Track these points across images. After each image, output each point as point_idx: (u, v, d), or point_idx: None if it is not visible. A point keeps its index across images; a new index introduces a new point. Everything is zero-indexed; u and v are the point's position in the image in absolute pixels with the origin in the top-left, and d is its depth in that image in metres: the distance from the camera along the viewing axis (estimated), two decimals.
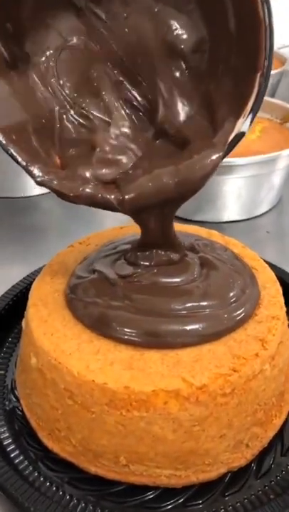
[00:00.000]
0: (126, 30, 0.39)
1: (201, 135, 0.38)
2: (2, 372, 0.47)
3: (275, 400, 0.40)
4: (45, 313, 0.40)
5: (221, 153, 0.36)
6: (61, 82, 0.40)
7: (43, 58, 0.39)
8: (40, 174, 0.37)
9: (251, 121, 0.37)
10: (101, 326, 0.38)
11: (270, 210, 0.74)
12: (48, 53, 0.40)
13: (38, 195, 0.78)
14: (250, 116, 0.36)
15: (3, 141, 0.37)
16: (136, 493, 0.38)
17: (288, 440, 0.41)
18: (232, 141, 0.37)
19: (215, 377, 0.35)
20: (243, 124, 0.36)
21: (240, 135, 0.37)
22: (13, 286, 0.53)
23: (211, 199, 0.68)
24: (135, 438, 0.35)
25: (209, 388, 0.35)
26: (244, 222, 0.71)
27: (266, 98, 0.85)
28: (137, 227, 0.42)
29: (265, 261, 0.47)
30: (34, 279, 0.46)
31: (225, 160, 0.65)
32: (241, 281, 0.42)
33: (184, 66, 0.40)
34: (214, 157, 0.36)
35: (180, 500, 0.37)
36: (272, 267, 0.48)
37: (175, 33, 0.39)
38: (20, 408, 0.43)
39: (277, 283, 0.44)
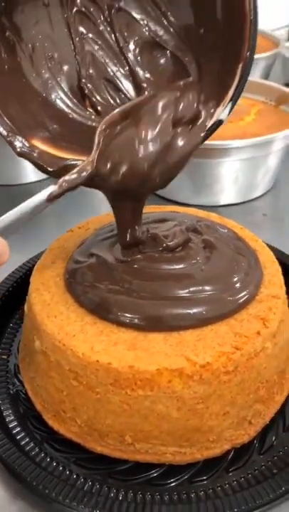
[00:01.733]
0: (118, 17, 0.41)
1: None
2: (5, 357, 0.48)
3: (276, 378, 0.40)
4: (47, 297, 0.41)
5: (199, 140, 0.38)
6: (50, 54, 0.41)
7: (33, 32, 0.40)
8: (21, 145, 0.38)
9: (230, 110, 0.37)
10: (102, 311, 0.39)
11: (266, 193, 0.74)
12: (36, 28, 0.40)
13: (34, 182, 0.77)
14: (230, 104, 0.37)
15: None
16: (141, 471, 0.38)
17: None
18: (210, 128, 0.38)
19: (218, 355, 0.36)
20: (222, 112, 0.37)
21: (218, 123, 0.38)
22: (12, 273, 0.53)
23: (208, 183, 0.69)
24: (140, 417, 0.36)
25: (212, 366, 0.35)
26: (241, 206, 0.71)
27: (261, 80, 0.85)
28: None
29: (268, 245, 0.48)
30: (33, 266, 0.46)
31: (221, 143, 0.66)
32: (245, 264, 0.42)
33: (168, 53, 0.41)
34: (193, 143, 0.38)
35: (185, 477, 0.38)
36: (270, 248, 0.48)
37: (163, 17, 0.40)
38: (24, 392, 0.44)
39: (277, 263, 0.44)
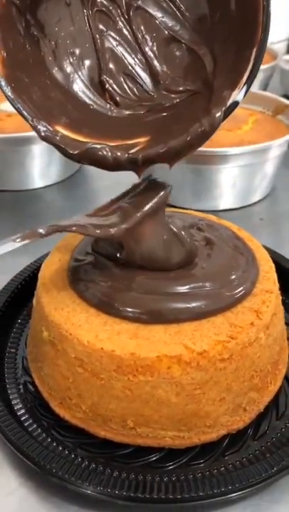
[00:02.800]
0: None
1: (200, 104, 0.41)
2: (13, 350, 0.50)
3: (270, 368, 0.43)
4: (54, 291, 0.43)
5: (219, 119, 0.40)
6: (72, 50, 0.44)
7: (56, 29, 0.43)
8: (45, 129, 0.41)
9: (246, 92, 0.40)
10: (105, 307, 0.41)
11: (263, 198, 0.77)
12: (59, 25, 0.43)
13: (41, 188, 0.81)
14: (245, 87, 0.39)
15: (12, 96, 0.40)
16: (142, 454, 0.41)
17: (283, 406, 0.45)
18: (228, 108, 0.40)
19: (214, 343, 0.38)
20: (238, 95, 0.39)
21: (235, 104, 0.40)
22: (21, 271, 0.56)
23: (208, 188, 0.72)
24: (141, 402, 0.38)
25: (209, 354, 0.38)
26: (239, 210, 0.74)
27: (258, 91, 0.89)
28: None
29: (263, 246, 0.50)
30: (40, 265, 0.48)
31: (220, 150, 0.69)
32: (243, 262, 0.44)
33: (184, 47, 0.44)
34: (215, 121, 0.39)
35: (183, 461, 0.40)
36: (264, 248, 0.51)
37: (178, 13, 0.44)
38: (31, 382, 0.46)
39: (271, 261, 0.47)
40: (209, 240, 0.46)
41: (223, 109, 0.39)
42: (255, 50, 0.38)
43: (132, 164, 0.41)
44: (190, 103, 0.44)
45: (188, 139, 0.40)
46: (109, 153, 0.41)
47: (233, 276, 0.43)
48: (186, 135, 0.40)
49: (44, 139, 0.41)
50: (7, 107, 0.79)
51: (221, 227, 0.49)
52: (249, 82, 0.39)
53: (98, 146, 0.41)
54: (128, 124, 0.44)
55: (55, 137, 0.41)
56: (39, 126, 0.41)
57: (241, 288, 0.42)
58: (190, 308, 0.40)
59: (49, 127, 0.41)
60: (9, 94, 0.40)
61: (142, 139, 0.43)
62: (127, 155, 0.41)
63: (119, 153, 0.41)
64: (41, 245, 0.56)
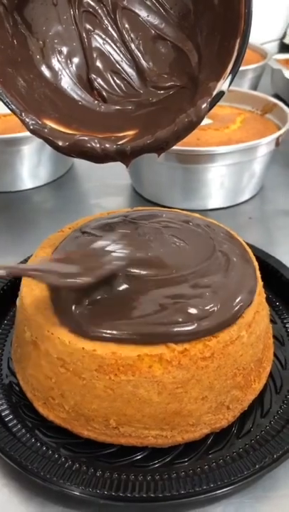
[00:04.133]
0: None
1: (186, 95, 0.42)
2: None
3: (253, 366, 0.43)
4: (37, 291, 0.43)
5: (205, 109, 0.40)
6: (59, 49, 0.45)
7: (43, 28, 0.44)
8: (33, 122, 0.41)
9: (230, 82, 0.40)
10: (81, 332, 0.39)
11: (252, 197, 0.77)
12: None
13: (30, 189, 0.81)
14: (230, 77, 0.40)
15: (0, 90, 0.41)
16: (126, 454, 0.41)
17: (268, 404, 0.45)
18: (213, 99, 0.40)
19: (195, 342, 0.38)
20: (223, 85, 0.40)
21: (221, 94, 0.41)
22: None
23: (196, 187, 0.72)
24: (123, 401, 0.38)
25: (190, 352, 0.38)
26: (228, 209, 0.74)
27: (247, 91, 0.89)
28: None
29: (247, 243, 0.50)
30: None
31: (208, 149, 0.69)
32: (252, 280, 0.43)
33: (169, 44, 0.45)
34: (201, 111, 0.40)
35: (167, 459, 0.40)
36: (252, 247, 0.51)
37: (163, 10, 0.45)
38: (16, 382, 0.46)
39: (254, 259, 0.47)
40: (227, 259, 0.44)
41: (209, 100, 0.40)
42: (238, 40, 0.39)
43: (121, 155, 0.42)
44: (177, 97, 0.44)
45: (176, 129, 0.41)
46: (98, 145, 0.41)
47: (238, 299, 0.41)
48: (173, 125, 0.41)
49: (33, 132, 0.42)
50: None
51: (219, 229, 0.49)
52: (234, 72, 0.40)
53: (87, 138, 0.41)
54: (116, 118, 0.45)
55: (43, 130, 0.41)
56: (27, 120, 0.41)
57: (239, 306, 0.41)
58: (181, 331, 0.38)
59: (38, 121, 0.41)
60: None
61: (131, 132, 0.43)
62: (115, 146, 0.41)
63: (107, 145, 0.41)
64: (27, 246, 0.57)
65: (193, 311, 0.39)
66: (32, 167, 0.79)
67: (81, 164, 0.88)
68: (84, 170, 0.87)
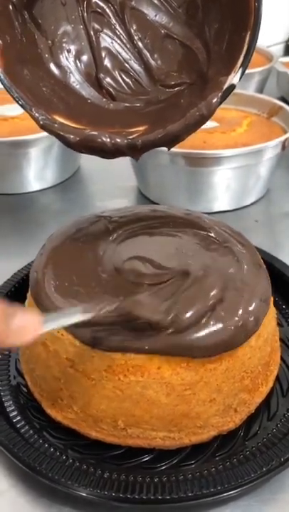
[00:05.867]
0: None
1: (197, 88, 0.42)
2: (6, 352, 0.50)
3: (261, 369, 0.43)
4: None
5: (216, 103, 0.41)
6: (68, 48, 0.45)
7: (52, 28, 0.44)
8: (43, 118, 0.41)
9: (241, 75, 0.40)
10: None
11: (258, 200, 0.77)
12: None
13: (36, 191, 0.81)
14: (240, 70, 0.40)
15: (9, 85, 0.41)
16: (133, 455, 0.41)
17: (275, 407, 0.45)
18: (224, 92, 0.41)
19: None
20: (234, 78, 0.40)
21: (231, 87, 0.41)
22: (14, 274, 0.56)
23: (202, 190, 0.72)
24: (132, 402, 0.39)
25: None
26: (233, 212, 0.74)
27: (253, 94, 0.89)
28: None
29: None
30: None
31: (214, 152, 0.69)
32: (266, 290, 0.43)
33: (178, 43, 0.45)
34: (212, 104, 0.40)
35: (174, 461, 0.40)
36: (259, 250, 0.51)
37: (170, 9, 0.45)
38: (24, 384, 0.46)
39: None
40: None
41: (220, 94, 0.40)
42: (249, 33, 0.39)
43: (132, 149, 0.42)
44: (186, 94, 0.45)
45: (187, 123, 0.41)
46: (109, 139, 0.41)
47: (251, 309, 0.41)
48: (184, 119, 0.41)
49: (43, 127, 0.42)
50: (2, 111, 0.80)
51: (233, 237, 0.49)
52: (245, 65, 0.40)
53: (97, 133, 0.41)
54: (126, 115, 0.45)
55: (53, 125, 0.42)
56: (37, 115, 0.41)
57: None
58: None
59: (48, 116, 0.42)
60: (7, 83, 0.41)
61: (140, 128, 0.43)
62: (126, 140, 0.41)
63: (118, 139, 0.41)
64: (34, 247, 0.57)
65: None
66: (39, 169, 0.79)
67: (87, 167, 0.88)
68: (90, 172, 0.87)
